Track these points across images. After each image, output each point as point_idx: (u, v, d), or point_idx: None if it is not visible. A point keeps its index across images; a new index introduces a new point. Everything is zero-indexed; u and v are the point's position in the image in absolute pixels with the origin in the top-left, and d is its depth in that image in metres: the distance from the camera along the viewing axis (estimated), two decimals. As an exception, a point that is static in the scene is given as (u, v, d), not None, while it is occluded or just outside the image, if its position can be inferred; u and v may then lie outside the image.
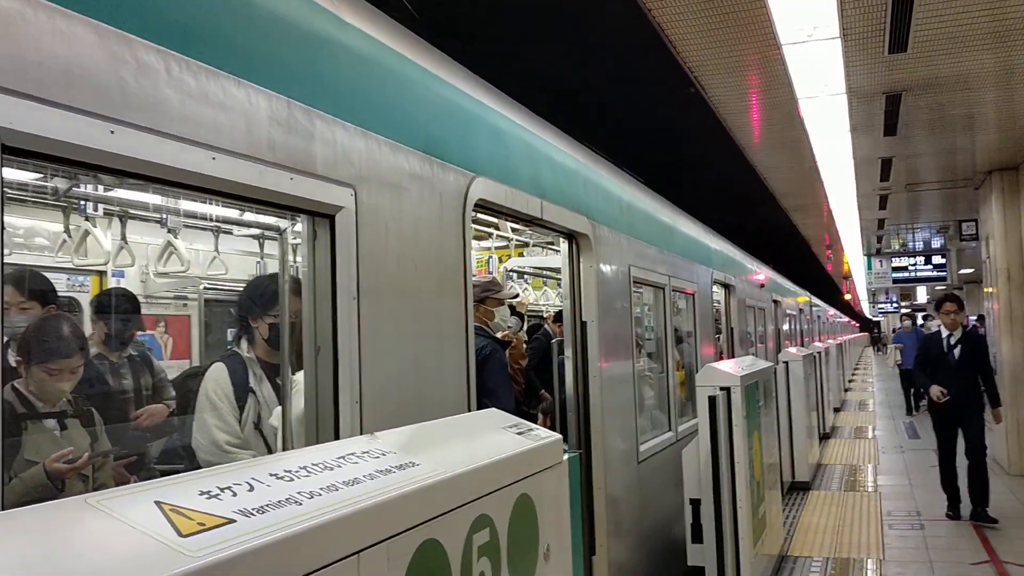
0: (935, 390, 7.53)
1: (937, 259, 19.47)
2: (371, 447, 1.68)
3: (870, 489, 9.36)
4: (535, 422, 5.43)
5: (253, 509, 1.22)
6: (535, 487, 2.07)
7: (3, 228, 1.58)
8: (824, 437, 13.31)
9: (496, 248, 7.01)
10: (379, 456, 1.64)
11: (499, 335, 5.19)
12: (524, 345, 7.19)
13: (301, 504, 1.29)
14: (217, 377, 3.33)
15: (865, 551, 6.74)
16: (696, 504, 5.03)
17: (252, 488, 1.30)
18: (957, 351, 7.70)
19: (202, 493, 1.23)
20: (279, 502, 1.27)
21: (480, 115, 3.47)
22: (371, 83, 2.68)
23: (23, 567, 0.92)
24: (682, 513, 5.33)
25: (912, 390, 17.29)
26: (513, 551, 1.91)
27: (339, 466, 1.52)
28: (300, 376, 3.06)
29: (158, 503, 1.15)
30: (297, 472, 1.42)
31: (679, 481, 5.52)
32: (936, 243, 19.00)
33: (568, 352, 4.51)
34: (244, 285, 4.46)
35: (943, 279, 19.97)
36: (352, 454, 1.60)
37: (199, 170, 1.91)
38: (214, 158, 1.95)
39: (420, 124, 2.92)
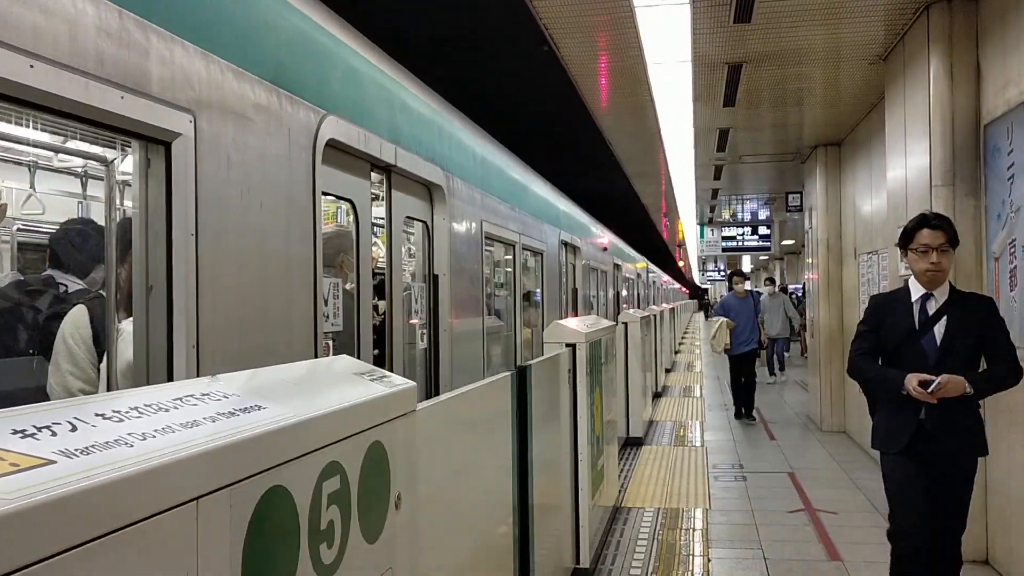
0: (913, 380, 3.74)
1: (763, 230, 20.73)
2: (212, 389, 1.54)
3: (697, 444, 9.87)
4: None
5: (76, 450, 1.08)
6: (388, 435, 1.99)
7: None
8: (656, 396, 13.93)
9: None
10: (221, 398, 1.51)
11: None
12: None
13: (132, 446, 1.16)
14: (76, 321, 3.05)
15: (693, 501, 7.09)
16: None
17: (75, 428, 1.15)
18: (941, 329, 3.95)
19: (16, 432, 1.07)
20: (106, 443, 1.13)
21: (335, 51, 3.29)
22: (214, 1, 2.46)
23: None
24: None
25: (743, 388, 11.84)
26: (364, 500, 1.82)
27: (176, 407, 1.38)
28: (126, 324, 2.83)
29: (-39, 443, 0.99)
30: (128, 413, 1.27)
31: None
32: (763, 214, 20.17)
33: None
34: (70, 227, 4.11)
35: (767, 249, 21.29)
36: (191, 396, 1.46)
37: (13, 78, 1.68)
38: (32, 66, 1.72)
39: (269, 52, 2.73)
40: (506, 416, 3.62)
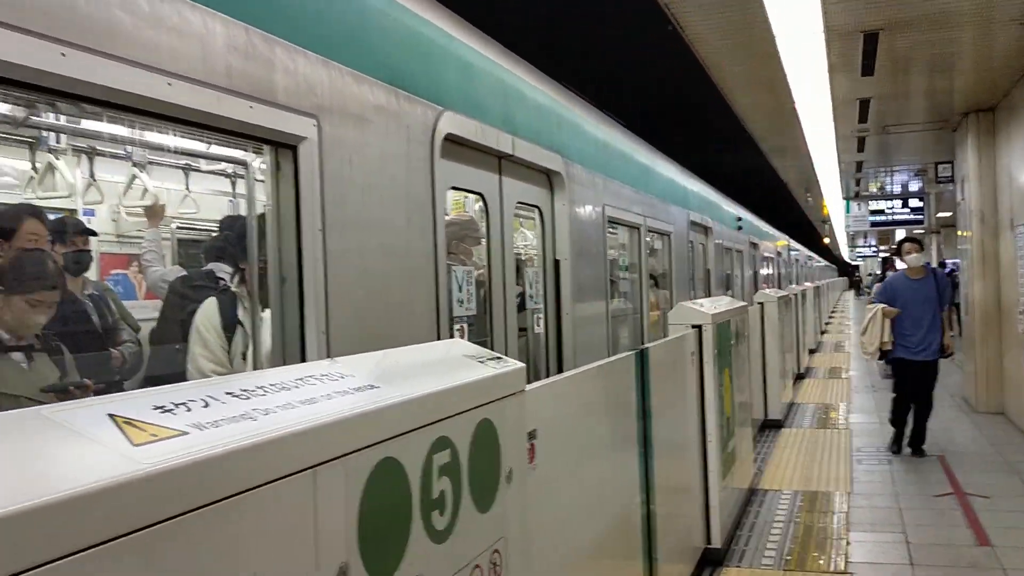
0: None
1: (915, 202, 19.62)
2: (331, 370, 1.70)
3: (841, 426, 9.55)
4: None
5: (207, 423, 1.24)
6: (498, 413, 2.10)
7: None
8: (799, 377, 13.53)
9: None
10: (338, 379, 1.66)
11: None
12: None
13: (256, 420, 1.31)
14: (207, 311, 3.44)
15: (834, 485, 6.91)
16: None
17: (207, 404, 1.32)
18: None
19: (156, 407, 1.25)
20: (233, 417, 1.29)
21: (449, 48, 3.44)
22: (332, 12, 2.64)
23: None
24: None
25: (913, 412, 7.95)
26: (474, 473, 1.95)
27: (297, 387, 1.54)
28: (269, 314, 3.10)
29: (111, 415, 1.17)
30: (253, 391, 1.44)
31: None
32: (914, 186, 19.12)
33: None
34: (225, 225, 4.51)
35: (920, 222, 20.15)
36: (311, 376, 1.62)
37: (155, 95, 1.90)
38: (170, 83, 1.93)
39: (385, 55, 2.89)
40: (630, 396, 3.69)
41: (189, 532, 1.11)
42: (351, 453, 1.47)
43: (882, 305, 7.93)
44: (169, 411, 1.25)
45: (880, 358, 8.42)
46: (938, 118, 10.96)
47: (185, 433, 1.19)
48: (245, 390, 1.43)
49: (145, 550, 1.04)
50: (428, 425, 1.75)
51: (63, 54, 1.66)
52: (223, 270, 4.09)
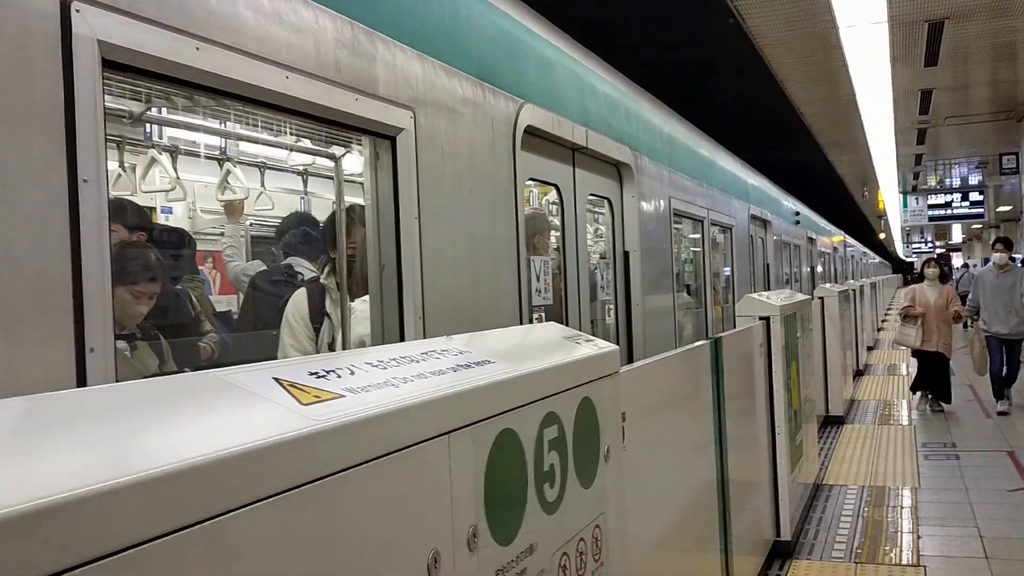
0: None
1: (974, 195, 19.21)
2: (449, 346, 1.78)
3: (904, 422, 9.43)
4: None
5: (358, 388, 1.33)
6: (596, 392, 2.16)
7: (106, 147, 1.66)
8: (858, 374, 13.35)
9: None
10: (458, 354, 1.74)
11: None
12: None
13: (397, 387, 1.39)
14: (297, 301, 3.57)
15: (900, 480, 6.83)
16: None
17: (353, 372, 1.40)
18: None
19: (311, 373, 1.33)
20: (378, 384, 1.38)
21: (529, 43, 3.51)
22: (426, 6, 2.72)
23: (173, 422, 1.03)
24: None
25: None
26: (577, 449, 2.01)
27: (423, 360, 1.62)
28: (358, 304, 3.19)
29: (276, 379, 1.25)
30: (388, 362, 1.52)
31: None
32: (974, 179, 18.72)
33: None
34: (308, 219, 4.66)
35: (980, 216, 19.74)
36: (433, 351, 1.70)
37: (275, 88, 1.99)
38: (287, 77, 2.03)
39: (473, 49, 2.97)
40: (705, 384, 3.72)
41: (353, 486, 1.19)
42: (478, 422, 1.54)
43: None
44: (323, 377, 1.34)
45: None
46: (1001, 108, 10.76)
47: (342, 396, 1.27)
48: (381, 360, 1.52)
49: (320, 499, 1.12)
50: (540, 400, 1.82)
51: (197, 48, 1.76)
52: (302, 264, 4.23)
